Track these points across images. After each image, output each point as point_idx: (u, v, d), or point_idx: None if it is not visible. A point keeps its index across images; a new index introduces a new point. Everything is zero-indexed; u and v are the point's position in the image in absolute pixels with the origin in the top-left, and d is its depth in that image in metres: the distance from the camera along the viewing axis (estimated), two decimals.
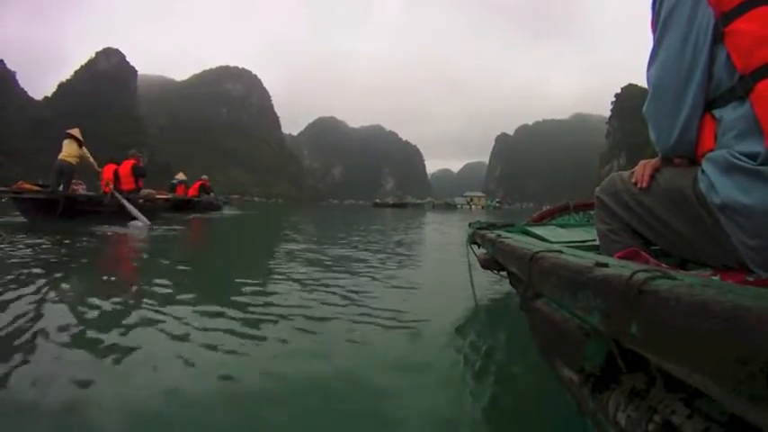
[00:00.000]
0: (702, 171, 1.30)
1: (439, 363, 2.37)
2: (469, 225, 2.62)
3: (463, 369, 2.30)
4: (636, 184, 1.55)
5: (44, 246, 6.20)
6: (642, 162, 1.59)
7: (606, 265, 0.74)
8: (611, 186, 1.68)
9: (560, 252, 1.02)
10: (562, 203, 4.07)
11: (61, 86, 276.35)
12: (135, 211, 10.80)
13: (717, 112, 1.30)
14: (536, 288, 1.05)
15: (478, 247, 2.42)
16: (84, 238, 7.34)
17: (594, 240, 2.24)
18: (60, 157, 11.51)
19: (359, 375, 2.22)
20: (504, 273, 2.35)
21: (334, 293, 3.88)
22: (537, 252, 1.05)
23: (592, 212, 3.89)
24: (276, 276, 4.74)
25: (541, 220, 3.76)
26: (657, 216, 1.48)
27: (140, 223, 10.23)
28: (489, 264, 2.31)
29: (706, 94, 1.33)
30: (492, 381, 2.18)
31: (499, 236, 1.86)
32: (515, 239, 1.64)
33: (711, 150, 1.29)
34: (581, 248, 1.71)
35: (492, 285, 3.94)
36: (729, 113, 1.25)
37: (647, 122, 1.53)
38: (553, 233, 2.47)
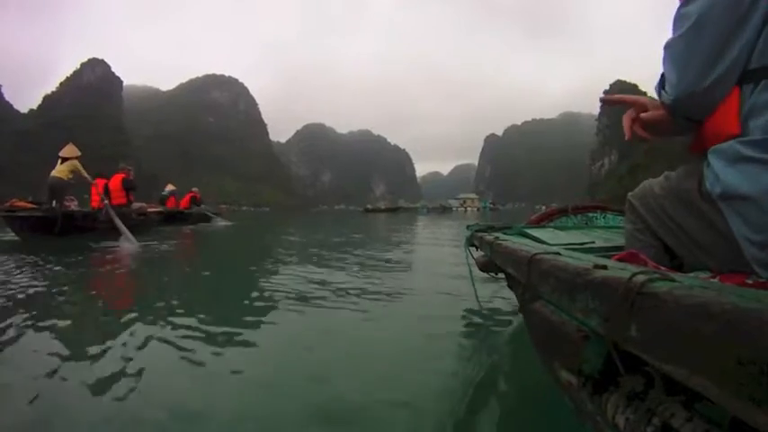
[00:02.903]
0: (708, 165, 1.24)
1: (438, 366, 2.38)
2: (467, 227, 2.59)
3: (461, 372, 2.31)
4: (663, 195, 1.50)
5: (41, 265, 6.16)
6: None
7: (605, 268, 0.74)
8: (641, 191, 1.66)
9: (558, 254, 1.02)
10: (561, 206, 4.06)
11: (46, 98, 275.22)
12: (125, 230, 10.50)
13: (747, 87, 1.17)
14: (534, 290, 1.04)
15: (476, 249, 2.39)
16: (82, 257, 7.30)
17: (593, 243, 2.24)
18: (52, 173, 11.30)
19: (360, 384, 2.23)
20: (501, 275, 2.31)
21: (337, 307, 3.89)
22: (535, 254, 1.04)
23: (590, 215, 3.88)
24: (272, 292, 4.67)
25: (539, 222, 3.73)
26: (673, 218, 1.46)
27: (128, 243, 9.67)
28: (487, 266, 2.29)
29: (748, 60, 1.17)
30: (490, 383, 2.22)
31: (497, 238, 1.85)
32: (513, 242, 1.63)
33: (724, 129, 1.20)
34: (579, 251, 1.69)
35: (489, 288, 3.92)
36: (764, 93, 1.13)
37: (667, 57, 1.33)
38: (551, 235, 2.43)
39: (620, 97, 1.58)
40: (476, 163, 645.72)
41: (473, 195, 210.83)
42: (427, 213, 65.45)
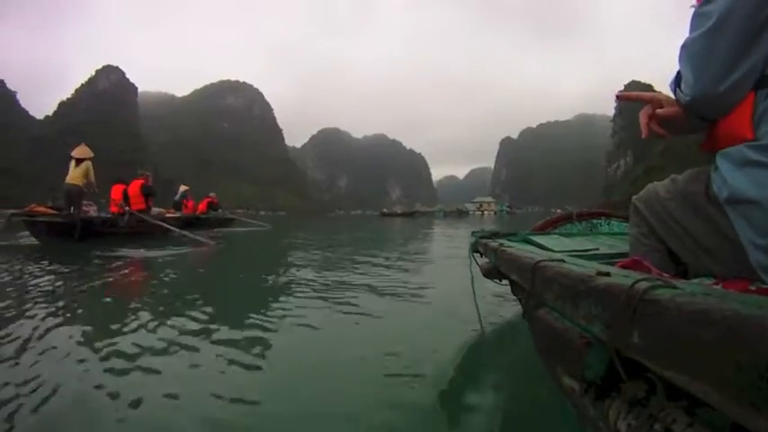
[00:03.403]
0: (716, 168, 1.24)
1: (441, 370, 2.38)
2: (472, 234, 2.58)
3: (464, 377, 2.34)
4: (669, 198, 1.50)
5: (60, 268, 6.25)
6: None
7: (608, 275, 0.74)
8: (645, 194, 1.66)
9: (562, 261, 1.02)
10: (565, 212, 4.05)
11: (62, 105, 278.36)
12: (189, 234, 10.81)
13: (762, 92, 1.15)
14: (538, 297, 1.04)
15: (481, 255, 2.37)
16: (101, 261, 7.34)
17: (597, 249, 2.23)
18: (66, 180, 11.38)
19: (356, 390, 2.21)
20: (506, 281, 2.30)
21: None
22: (539, 261, 1.04)
23: (594, 222, 3.87)
24: (289, 292, 4.78)
25: (544, 229, 3.73)
26: (678, 221, 1.45)
27: (204, 246, 10.02)
28: (491, 273, 2.26)
29: (765, 65, 1.15)
30: (493, 388, 2.23)
31: (502, 245, 1.85)
32: (518, 248, 1.62)
33: (737, 132, 1.18)
34: (583, 258, 1.72)
35: (495, 294, 3.91)
36: None
37: (684, 57, 1.28)
38: (555, 242, 2.44)
39: (636, 94, 1.56)
40: (491, 166, 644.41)
41: (489, 199, 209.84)
42: (444, 217, 65.17)
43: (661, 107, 1.43)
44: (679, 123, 1.39)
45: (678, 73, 1.34)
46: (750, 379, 0.42)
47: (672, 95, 1.40)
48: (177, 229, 11.35)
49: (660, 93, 1.51)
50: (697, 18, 1.23)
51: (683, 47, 1.28)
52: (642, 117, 1.46)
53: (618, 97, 1.64)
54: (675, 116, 1.38)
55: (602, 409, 0.82)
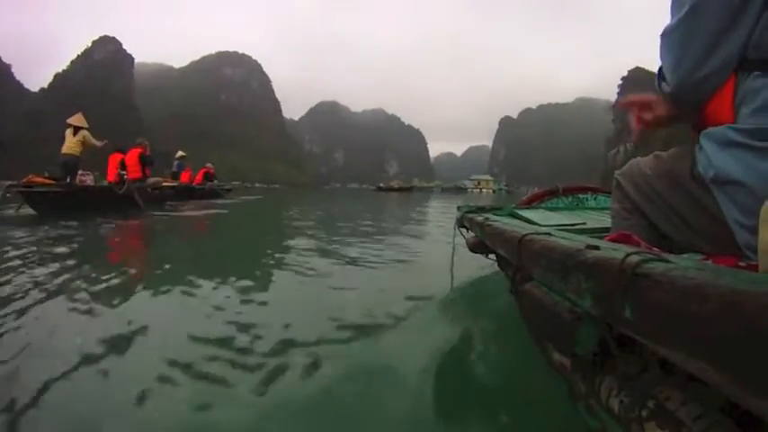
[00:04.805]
0: (700, 148, 1.22)
1: (428, 347, 2.29)
2: (458, 208, 2.57)
3: (451, 354, 2.25)
4: (654, 176, 1.48)
5: (57, 236, 6.23)
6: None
7: (597, 248, 0.72)
8: (629, 169, 1.65)
9: (549, 235, 1.00)
10: (551, 187, 4.04)
11: (57, 77, 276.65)
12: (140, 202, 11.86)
13: (743, 75, 1.13)
14: (525, 271, 1.03)
15: (467, 230, 2.35)
16: (99, 230, 7.29)
17: (584, 224, 2.22)
18: (63, 151, 11.38)
19: (348, 353, 2.22)
20: (492, 256, 2.28)
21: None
22: (526, 235, 1.02)
23: (581, 196, 3.85)
24: (274, 259, 4.75)
25: (530, 203, 3.72)
26: (663, 198, 1.44)
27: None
28: (478, 247, 2.26)
29: (745, 48, 1.12)
30: (482, 366, 2.17)
31: (487, 219, 1.84)
32: (504, 222, 1.63)
33: (720, 115, 1.16)
34: (570, 232, 1.69)
35: (481, 267, 3.89)
36: (760, 80, 1.09)
37: (664, 44, 1.28)
38: (542, 216, 2.43)
39: (635, 100, 1.47)
40: (490, 145, 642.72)
41: (488, 177, 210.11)
42: (442, 192, 65.39)
43: (650, 107, 1.40)
44: (666, 122, 1.39)
45: (660, 68, 1.34)
46: (746, 357, 0.41)
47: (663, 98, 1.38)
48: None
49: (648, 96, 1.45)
50: (675, 4, 1.22)
51: (663, 35, 1.27)
52: (634, 123, 1.44)
53: (621, 104, 1.59)
54: (661, 120, 1.38)
55: (594, 386, 0.80)
